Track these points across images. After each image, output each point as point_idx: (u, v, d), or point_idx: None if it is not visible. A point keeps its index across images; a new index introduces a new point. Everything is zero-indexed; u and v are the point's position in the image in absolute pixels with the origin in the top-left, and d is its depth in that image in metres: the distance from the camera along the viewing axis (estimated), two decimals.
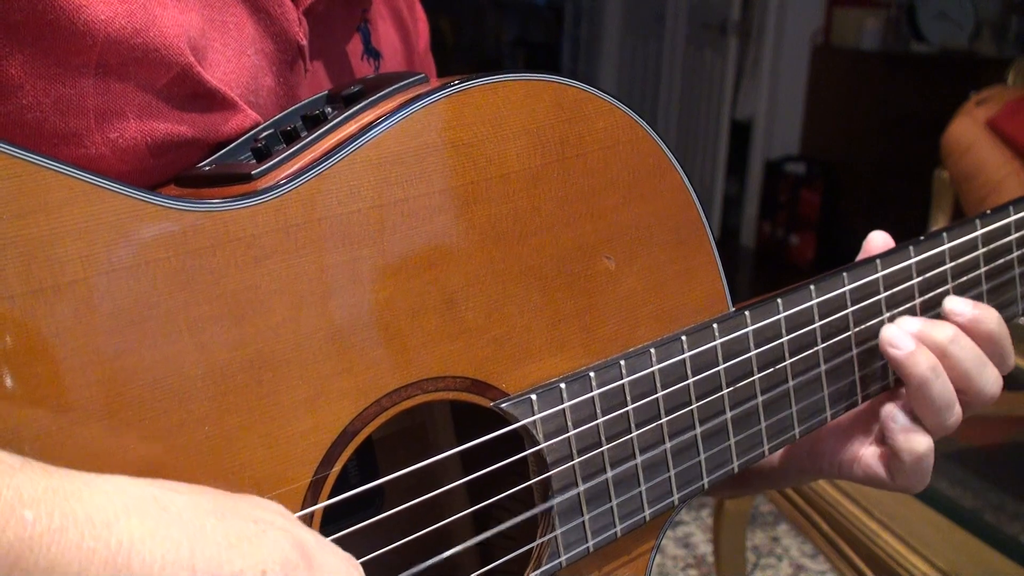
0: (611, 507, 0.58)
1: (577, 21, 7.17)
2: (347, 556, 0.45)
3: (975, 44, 4.46)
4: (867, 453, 0.69)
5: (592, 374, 0.57)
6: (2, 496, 0.33)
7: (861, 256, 0.70)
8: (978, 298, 0.73)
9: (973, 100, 2.79)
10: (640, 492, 0.59)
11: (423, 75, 0.55)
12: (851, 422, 0.70)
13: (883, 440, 0.69)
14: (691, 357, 0.60)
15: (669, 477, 0.61)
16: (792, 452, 0.73)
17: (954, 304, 0.69)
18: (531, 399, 0.55)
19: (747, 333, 0.62)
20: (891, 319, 0.69)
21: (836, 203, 4.89)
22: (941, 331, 0.66)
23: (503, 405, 0.54)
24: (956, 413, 0.66)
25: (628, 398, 0.58)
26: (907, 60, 4.59)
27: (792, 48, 5.09)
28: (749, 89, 5.28)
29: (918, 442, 0.65)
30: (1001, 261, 0.75)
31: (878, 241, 0.70)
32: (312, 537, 0.43)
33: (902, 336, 0.65)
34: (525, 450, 0.55)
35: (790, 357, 0.65)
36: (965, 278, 0.73)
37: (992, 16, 4.49)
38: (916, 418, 0.66)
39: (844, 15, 4.89)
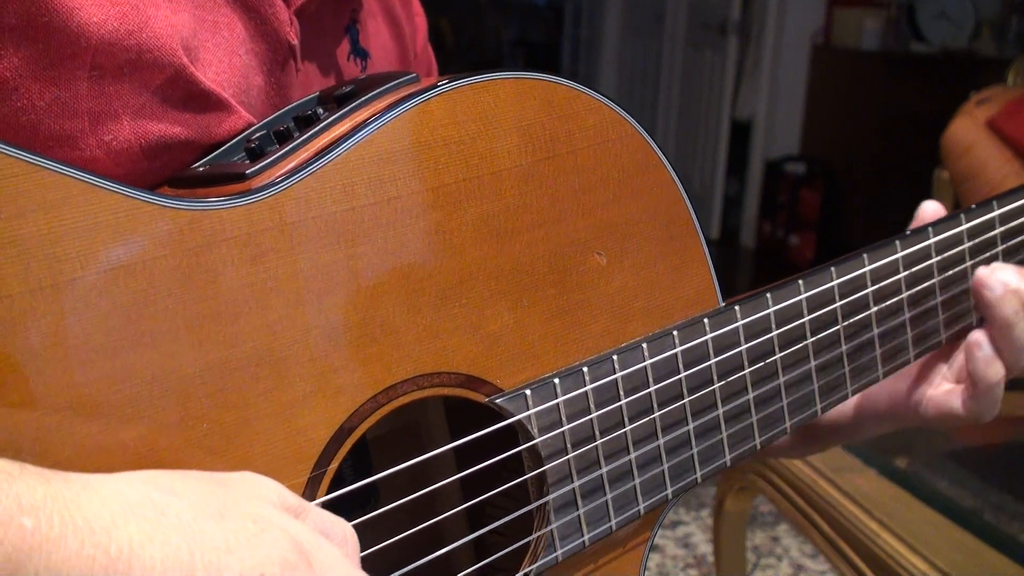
0: (606, 500, 0.59)
1: (577, 21, 7.17)
2: (343, 534, 0.45)
3: (975, 44, 4.46)
4: (939, 391, 0.75)
5: (585, 369, 0.57)
6: (1, 504, 0.33)
7: (914, 224, 0.75)
8: (965, 294, 0.75)
9: (973, 100, 2.80)
10: (634, 485, 0.60)
11: (414, 74, 0.55)
12: (923, 366, 0.76)
13: (954, 378, 0.75)
14: (682, 352, 0.61)
15: (662, 470, 0.61)
16: (868, 400, 0.77)
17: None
18: (525, 394, 0.55)
19: (737, 328, 0.63)
20: (879, 314, 0.70)
21: (836, 203, 4.88)
22: None
23: (497, 400, 0.55)
24: None
25: (621, 392, 0.59)
26: (907, 60, 4.59)
27: (792, 48, 5.09)
28: (749, 89, 5.28)
29: (996, 370, 0.71)
30: (987, 255, 0.75)
31: (930, 209, 0.76)
32: (309, 532, 0.43)
33: (995, 281, 0.71)
34: (520, 445, 0.56)
35: (780, 351, 0.65)
36: (951, 272, 0.74)
37: (992, 16, 4.49)
38: (997, 351, 0.72)
39: (844, 15, 4.89)
